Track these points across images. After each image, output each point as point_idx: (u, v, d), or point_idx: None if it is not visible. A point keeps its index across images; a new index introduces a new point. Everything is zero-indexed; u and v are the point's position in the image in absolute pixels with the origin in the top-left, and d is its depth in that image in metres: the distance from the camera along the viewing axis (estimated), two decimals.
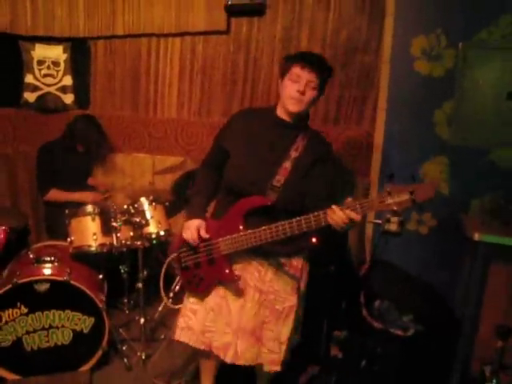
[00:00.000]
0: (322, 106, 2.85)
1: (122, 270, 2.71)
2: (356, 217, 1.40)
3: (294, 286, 1.73)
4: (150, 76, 3.14)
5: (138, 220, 2.36)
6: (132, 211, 2.40)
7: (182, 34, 3.01)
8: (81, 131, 2.87)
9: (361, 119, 2.85)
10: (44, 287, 2.11)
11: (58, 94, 3.24)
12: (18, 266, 2.26)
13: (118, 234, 2.35)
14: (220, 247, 1.66)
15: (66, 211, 2.39)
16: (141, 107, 3.22)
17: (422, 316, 2.28)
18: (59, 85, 3.23)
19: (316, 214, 1.46)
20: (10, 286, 2.06)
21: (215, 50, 3.01)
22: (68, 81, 3.22)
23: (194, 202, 1.79)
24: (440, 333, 2.25)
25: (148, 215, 2.48)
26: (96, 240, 2.33)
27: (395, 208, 1.35)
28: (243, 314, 1.69)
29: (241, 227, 1.61)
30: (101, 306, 2.17)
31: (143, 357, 2.35)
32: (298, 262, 1.75)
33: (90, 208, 2.37)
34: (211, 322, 1.74)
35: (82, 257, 2.36)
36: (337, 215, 1.41)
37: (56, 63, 3.20)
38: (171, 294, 2.68)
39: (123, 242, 2.38)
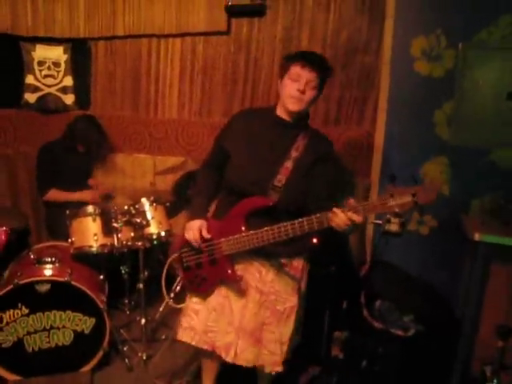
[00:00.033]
0: (323, 106, 2.85)
1: (123, 271, 2.71)
2: (358, 219, 1.40)
3: (294, 287, 1.74)
4: (151, 76, 3.15)
5: (138, 220, 2.36)
6: (133, 212, 2.40)
7: (182, 35, 3.01)
8: (81, 131, 2.87)
9: (361, 120, 2.86)
10: (45, 288, 2.11)
11: (59, 94, 3.23)
12: (18, 267, 2.26)
13: (119, 235, 2.35)
14: (222, 247, 1.66)
15: (67, 212, 2.39)
16: (141, 107, 3.22)
17: (422, 316, 2.29)
18: (60, 85, 3.23)
19: (318, 215, 1.46)
20: (10, 286, 2.06)
21: (216, 51, 3.01)
22: (68, 81, 3.22)
23: (196, 203, 1.79)
24: (440, 333, 2.25)
25: (149, 216, 2.48)
26: (97, 241, 2.33)
27: (397, 210, 1.36)
28: (245, 313, 1.70)
29: (243, 228, 1.61)
30: (102, 306, 2.17)
31: (144, 357, 2.35)
32: (298, 263, 1.75)
33: (90, 209, 2.37)
34: (213, 322, 1.74)
35: (83, 257, 2.36)
36: (339, 218, 1.42)
37: (56, 64, 3.20)
38: (172, 295, 2.68)
39: (124, 242, 2.38)
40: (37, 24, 3.07)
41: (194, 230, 1.70)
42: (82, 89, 3.23)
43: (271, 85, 2.93)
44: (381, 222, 2.49)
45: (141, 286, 2.41)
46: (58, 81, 3.22)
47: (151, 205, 2.51)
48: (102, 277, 2.45)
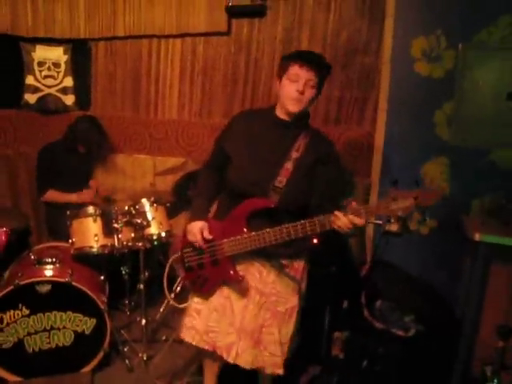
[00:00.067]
0: (323, 106, 2.86)
1: (124, 272, 2.71)
2: (360, 222, 1.41)
3: (295, 288, 1.74)
4: (151, 77, 3.15)
5: (139, 221, 2.36)
6: (133, 212, 2.41)
7: (182, 35, 3.02)
8: (82, 132, 2.87)
9: (361, 120, 2.86)
10: (45, 288, 2.11)
11: (59, 95, 3.24)
12: (19, 268, 2.26)
13: (120, 236, 2.35)
14: (224, 248, 1.66)
15: (68, 212, 2.39)
16: (142, 108, 3.22)
17: (422, 316, 2.29)
18: (60, 86, 3.23)
19: (320, 218, 1.47)
20: (11, 287, 2.06)
21: (216, 51, 3.02)
22: (69, 82, 3.23)
23: (196, 204, 1.79)
24: (441, 333, 2.25)
25: (149, 216, 2.48)
26: (97, 241, 2.33)
27: (399, 213, 1.36)
28: (245, 314, 1.70)
29: (245, 229, 1.61)
30: (102, 307, 2.17)
31: (145, 358, 2.35)
32: (299, 265, 1.75)
33: (91, 209, 2.38)
34: (214, 323, 1.74)
35: (84, 258, 2.36)
36: (341, 221, 1.42)
37: (56, 64, 3.20)
38: (172, 295, 2.68)
39: (124, 243, 2.39)
40: (37, 24, 3.07)
41: (196, 231, 1.69)
42: (82, 89, 3.24)
43: (271, 85, 2.93)
44: (381, 222, 2.49)
45: (141, 286, 2.41)
46: (58, 81, 3.22)
47: (151, 205, 2.51)
48: (102, 277, 2.45)
